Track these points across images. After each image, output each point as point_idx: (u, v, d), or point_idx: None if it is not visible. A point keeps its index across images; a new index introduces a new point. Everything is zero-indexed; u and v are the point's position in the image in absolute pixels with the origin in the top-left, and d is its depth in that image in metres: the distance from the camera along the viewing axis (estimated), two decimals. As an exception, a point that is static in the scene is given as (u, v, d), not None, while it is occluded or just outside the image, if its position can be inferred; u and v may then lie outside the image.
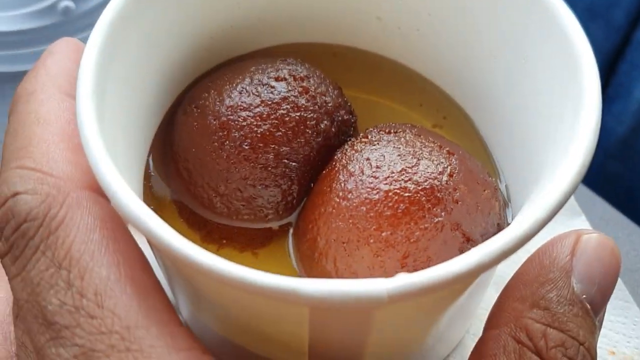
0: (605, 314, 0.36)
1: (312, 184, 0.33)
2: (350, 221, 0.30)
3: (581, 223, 0.40)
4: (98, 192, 0.28)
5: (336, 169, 0.31)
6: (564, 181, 0.26)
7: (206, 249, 0.32)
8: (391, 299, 0.23)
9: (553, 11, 0.30)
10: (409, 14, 0.36)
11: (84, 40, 0.44)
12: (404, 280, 0.23)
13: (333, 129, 0.33)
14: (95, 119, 0.27)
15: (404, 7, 0.36)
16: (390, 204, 0.29)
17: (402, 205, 0.29)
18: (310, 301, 0.23)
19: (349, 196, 0.30)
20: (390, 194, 0.29)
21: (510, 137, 0.34)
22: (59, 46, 0.32)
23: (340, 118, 0.34)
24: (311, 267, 0.31)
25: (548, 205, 0.25)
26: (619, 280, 0.37)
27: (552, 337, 0.27)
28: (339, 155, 0.32)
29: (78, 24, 0.47)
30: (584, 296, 0.27)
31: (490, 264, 0.24)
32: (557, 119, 0.29)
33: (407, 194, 0.29)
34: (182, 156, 0.33)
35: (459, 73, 0.36)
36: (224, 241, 0.33)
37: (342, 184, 0.30)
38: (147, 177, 0.34)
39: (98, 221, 0.27)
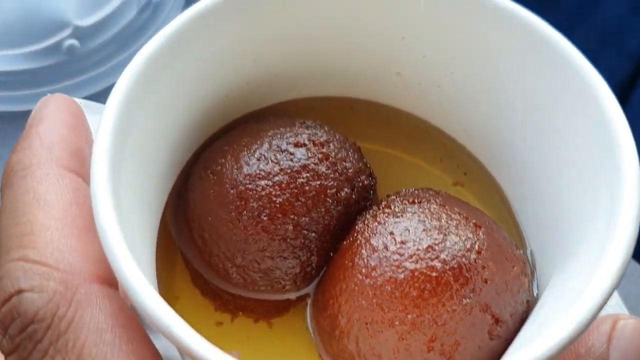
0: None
1: (331, 254, 0.32)
2: (374, 300, 0.28)
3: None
4: (106, 282, 0.26)
5: (358, 242, 0.30)
6: (604, 282, 0.25)
7: (220, 318, 0.32)
8: None
9: (589, 83, 0.29)
10: (430, 71, 0.35)
11: (89, 80, 0.43)
12: None
13: (354, 196, 0.32)
14: (112, 206, 0.26)
15: (425, 64, 0.35)
16: (417, 284, 0.28)
17: (429, 285, 0.28)
18: None
19: (372, 274, 0.29)
20: (416, 273, 0.28)
21: (537, 204, 0.32)
22: (49, 108, 0.30)
23: (360, 184, 0.33)
24: (331, 345, 0.30)
25: (589, 308, 0.24)
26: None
27: None
28: (361, 226, 0.31)
29: (83, 63, 0.45)
30: None
31: None
32: (591, 198, 0.28)
33: (434, 274, 0.28)
34: (197, 224, 0.32)
35: (482, 130, 0.35)
36: (239, 311, 0.32)
37: (365, 260, 0.29)
38: (159, 241, 0.33)
39: (109, 319, 0.25)
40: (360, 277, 0.29)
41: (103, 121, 0.28)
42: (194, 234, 0.32)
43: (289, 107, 0.37)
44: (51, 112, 0.30)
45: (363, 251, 0.30)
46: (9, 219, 0.27)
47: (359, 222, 0.31)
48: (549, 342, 0.24)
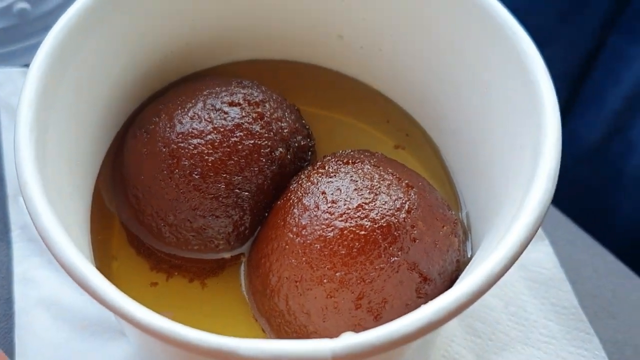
0: (565, 346, 0.36)
1: (266, 214, 0.32)
2: (304, 259, 0.29)
3: (545, 247, 0.39)
4: None
5: (291, 201, 0.30)
6: (516, 238, 0.25)
7: (155, 278, 0.32)
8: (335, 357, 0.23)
9: (517, 47, 0.29)
10: (371, 34, 0.35)
11: (40, 43, 0.42)
12: (350, 341, 0.23)
13: (289, 156, 0.32)
14: (34, 157, 0.26)
15: (366, 27, 0.35)
16: (346, 243, 0.28)
17: (357, 244, 0.28)
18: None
19: (303, 232, 0.29)
20: (345, 231, 0.28)
21: (471, 164, 0.33)
22: None
23: (296, 144, 0.33)
24: (263, 303, 0.30)
25: (501, 261, 0.24)
26: (580, 311, 0.37)
27: None
28: (295, 185, 0.31)
29: (34, 26, 0.45)
30: None
31: (440, 323, 0.23)
32: (518, 151, 0.28)
33: (362, 232, 0.28)
34: (131, 183, 0.32)
35: (422, 94, 0.35)
36: (174, 271, 0.32)
37: (297, 219, 0.29)
38: (95, 200, 0.33)
39: None
40: (291, 235, 0.29)
41: (28, 76, 0.27)
42: (128, 194, 0.32)
43: (229, 70, 0.37)
44: None
45: (295, 210, 0.30)
46: None
47: (293, 182, 0.31)
48: (456, 294, 0.24)
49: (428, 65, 0.34)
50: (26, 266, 0.38)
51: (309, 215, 0.29)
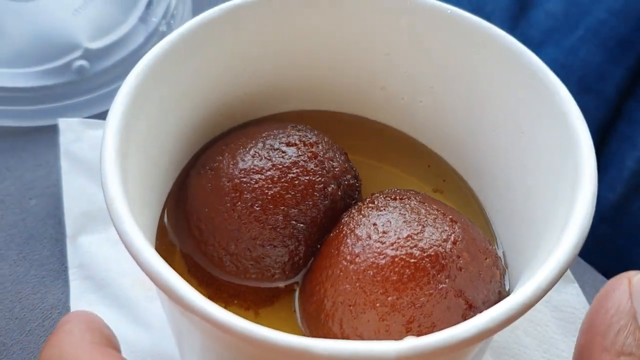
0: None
1: (318, 246, 0.34)
2: (357, 284, 0.31)
3: (574, 289, 0.42)
4: None
5: (344, 232, 0.33)
6: (562, 257, 0.27)
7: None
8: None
9: (552, 90, 0.32)
10: (412, 86, 0.38)
11: (97, 99, 0.46)
12: (412, 343, 0.25)
13: (339, 193, 0.35)
14: (120, 181, 0.28)
15: (408, 79, 0.38)
16: (397, 269, 0.30)
17: (407, 270, 0.30)
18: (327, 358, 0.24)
19: (356, 260, 0.31)
20: (396, 259, 0.31)
21: (508, 207, 0.35)
22: (72, 316, 0.30)
23: (346, 182, 0.35)
24: (317, 328, 0.32)
25: (548, 276, 0.27)
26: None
27: None
28: (346, 219, 0.33)
29: (92, 83, 0.48)
30: None
31: (494, 330, 0.25)
32: (554, 195, 0.31)
33: (412, 260, 0.31)
34: (195, 215, 0.34)
35: (460, 142, 0.38)
36: (233, 300, 0.34)
37: (350, 248, 0.32)
38: (159, 233, 0.35)
39: None
40: (345, 263, 0.31)
41: (113, 108, 0.30)
42: (191, 226, 0.34)
43: (283, 118, 0.40)
44: (73, 319, 0.30)
45: (348, 240, 0.32)
46: None
47: (345, 216, 0.34)
48: (507, 305, 0.26)
49: (467, 114, 0.37)
50: (82, 302, 0.40)
51: (361, 245, 0.32)
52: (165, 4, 0.50)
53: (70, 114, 0.47)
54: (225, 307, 0.34)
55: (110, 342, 0.28)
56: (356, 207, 0.34)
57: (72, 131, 0.46)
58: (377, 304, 0.30)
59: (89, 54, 0.48)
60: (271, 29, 0.37)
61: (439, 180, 0.39)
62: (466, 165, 0.38)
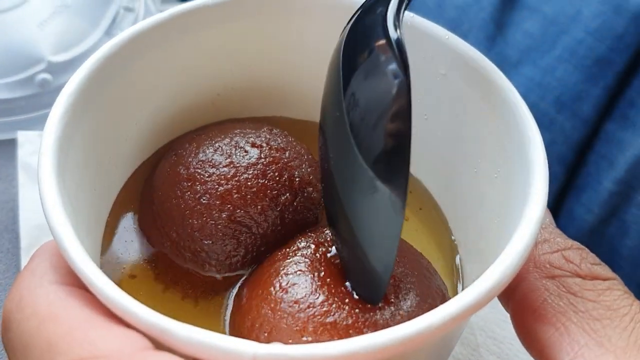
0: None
1: (267, 255, 0.33)
2: (278, 314, 0.29)
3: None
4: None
5: (289, 258, 0.31)
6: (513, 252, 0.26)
7: (155, 288, 0.33)
8: None
9: (527, 134, 0.31)
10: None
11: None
12: (275, 349, 0.23)
13: (294, 204, 0.34)
14: (55, 173, 0.28)
15: None
16: (320, 315, 0.29)
17: (330, 318, 0.29)
18: (179, 346, 0.23)
19: (283, 296, 0.29)
20: (315, 318, 0.29)
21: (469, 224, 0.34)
22: (39, 251, 0.29)
23: (305, 194, 0.34)
24: (237, 335, 0.30)
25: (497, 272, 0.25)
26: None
27: (573, 256, 0.29)
28: (301, 242, 0.32)
29: (54, 96, 0.47)
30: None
31: (378, 356, 0.23)
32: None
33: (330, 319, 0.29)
34: (153, 196, 0.34)
35: (438, 167, 0.37)
36: (175, 285, 0.33)
37: (288, 277, 0.30)
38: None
39: None
40: (277, 288, 0.30)
41: (52, 112, 0.30)
42: (150, 205, 0.34)
43: (271, 122, 0.39)
44: (40, 254, 0.29)
45: (289, 268, 0.31)
46: (29, 345, 0.25)
47: (301, 238, 0.32)
48: (431, 318, 0.24)
49: (450, 149, 0.36)
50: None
51: (286, 297, 0.29)
52: (132, 17, 0.49)
53: (32, 127, 0.47)
54: (162, 292, 0.33)
55: (77, 279, 0.27)
56: (313, 235, 0.32)
57: (30, 144, 0.45)
58: (290, 340, 0.28)
59: (52, 68, 0.48)
60: (240, 35, 0.36)
61: (415, 207, 0.38)
62: (441, 193, 0.37)
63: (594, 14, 0.53)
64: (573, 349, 0.27)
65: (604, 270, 0.30)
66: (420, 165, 0.38)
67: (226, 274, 0.33)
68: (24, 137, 0.46)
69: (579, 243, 0.31)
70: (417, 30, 0.35)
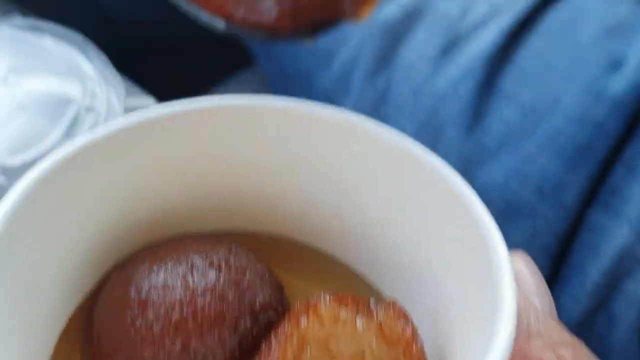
0: None
1: None
2: None
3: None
4: None
5: None
6: None
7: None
8: None
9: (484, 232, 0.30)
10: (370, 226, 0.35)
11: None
12: None
13: (254, 330, 0.31)
14: None
15: (366, 217, 0.35)
16: None
17: None
18: None
19: None
20: None
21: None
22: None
23: (267, 319, 0.32)
24: None
25: None
26: None
27: (565, 354, 0.30)
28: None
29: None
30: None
31: None
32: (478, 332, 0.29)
33: None
34: (97, 320, 0.31)
35: (389, 268, 0.35)
36: None
37: None
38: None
39: None
40: None
41: None
42: (93, 331, 0.32)
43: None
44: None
45: None
46: None
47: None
48: None
49: (408, 247, 0.34)
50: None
51: None
52: (93, 118, 0.48)
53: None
54: None
55: None
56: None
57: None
58: None
59: (7, 171, 0.46)
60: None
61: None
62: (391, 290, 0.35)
63: (573, 102, 0.53)
64: None
65: None
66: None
67: None
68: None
69: (575, 338, 0.31)
70: None
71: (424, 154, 0.32)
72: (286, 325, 0.30)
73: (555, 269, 0.53)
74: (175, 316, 0.30)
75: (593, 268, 0.50)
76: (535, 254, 0.31)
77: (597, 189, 0.50)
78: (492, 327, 0.27)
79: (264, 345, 0.30)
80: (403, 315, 0.30)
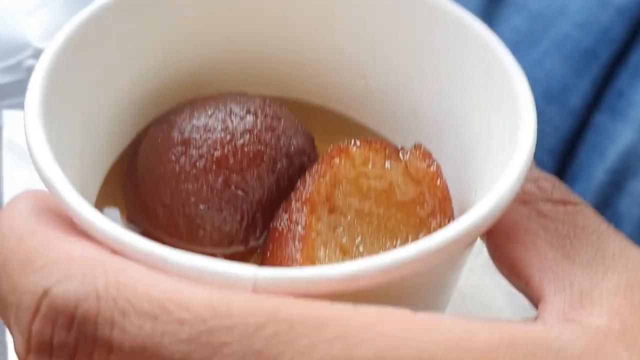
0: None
1: (262, 221, 0.33)
2: None
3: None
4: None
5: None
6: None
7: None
8: (256, 288, 0.22)
9: (514, 88, 0.31)
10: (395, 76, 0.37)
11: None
12: (276, 273, 0.23)
13: (290, 171, 0.33)
14: (42, 125, 0.27)
15: (390, 79, 0.37)
16: None
17: None
18: (173, 273, 0.23)
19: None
20: None
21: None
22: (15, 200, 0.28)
23: (300, 163, 0.34)
24: None
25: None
26: None
27: (545, 184, 0.31)
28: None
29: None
30: None
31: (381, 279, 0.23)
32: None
33: None
34: (142, 165, 0.33)
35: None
36: None
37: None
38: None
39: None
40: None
41: (38, 67, 0.30)
42: (138, 177, 0.33)
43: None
44: (21, 195, 0.28)
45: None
46: (8, 260, 0.25)
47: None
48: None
49: (428, 106, 0.36)
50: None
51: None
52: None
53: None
54: None
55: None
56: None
57: (16, 123, 0.45)
58: None
59: (39, 54, 0.47)
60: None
61: None
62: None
63: (579, 8, 0.53)
64: (541, 263, 0.28)
65: (574, 197, 0.32)
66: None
67: (220, 249, 0.32)
68: (9, 116, 0.45)
69: (553, 175, 0.33)
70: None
71: (450, 5, 0.34)
72: (320, 166, 0.32)
73: (562, 169, 0.54)
74: (217, 154, 0.32)
75: (598, 168, 0.50)
76: (541, 155, 0.32)
77: (602, 92, 0.50)
78: (512, 145, 0.29)
79: (299, 183, 0.32)
80: (428, 155, 0.32)
